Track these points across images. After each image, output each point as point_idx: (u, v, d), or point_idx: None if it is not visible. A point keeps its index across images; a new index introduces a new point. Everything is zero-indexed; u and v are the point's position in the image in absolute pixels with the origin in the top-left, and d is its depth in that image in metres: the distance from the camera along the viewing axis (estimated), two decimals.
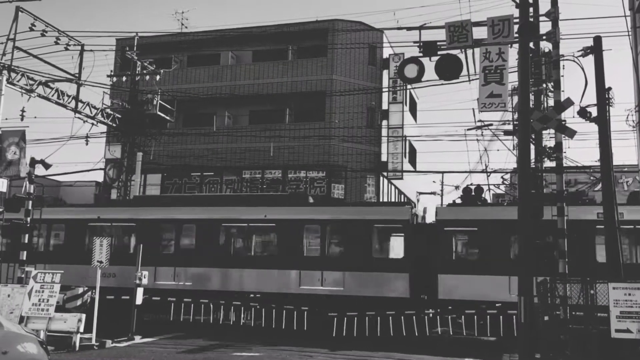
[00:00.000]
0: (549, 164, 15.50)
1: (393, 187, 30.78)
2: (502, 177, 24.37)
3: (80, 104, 19.50)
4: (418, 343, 15.58)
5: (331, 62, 27.44)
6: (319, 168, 26.60)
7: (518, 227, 11.12)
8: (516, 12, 11.76)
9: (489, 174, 27.42)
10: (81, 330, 12.94)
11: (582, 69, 13.03)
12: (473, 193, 18.05)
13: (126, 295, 16.31)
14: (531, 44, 13.26)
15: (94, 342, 13.30)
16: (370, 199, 27.13)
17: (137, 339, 14.62)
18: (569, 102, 12.43)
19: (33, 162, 20.23)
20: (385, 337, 16.02)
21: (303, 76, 27.76)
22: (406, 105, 30.33)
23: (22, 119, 18.68)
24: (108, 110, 21.19)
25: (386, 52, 28.55)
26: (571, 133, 12.44)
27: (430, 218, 19.43)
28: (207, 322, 20.77)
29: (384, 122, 28.03)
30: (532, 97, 14.14)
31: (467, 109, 65.38)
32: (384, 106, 28.22)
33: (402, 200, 33.52)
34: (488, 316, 15.66)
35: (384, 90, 27.98)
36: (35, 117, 32.30)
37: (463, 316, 15.85)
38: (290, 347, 13.95)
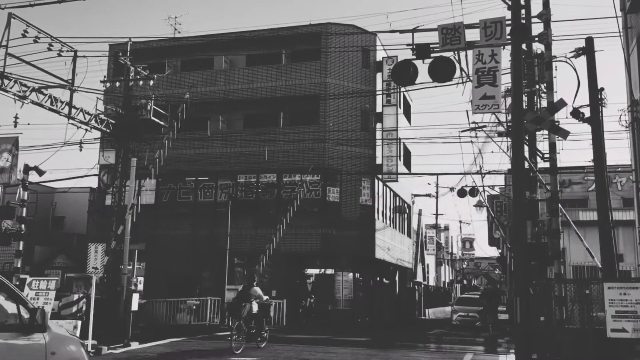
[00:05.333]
0: (543, 164, 15.56)
1: (388, 190, 30.81)
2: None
3: (73, 110, 19.40)
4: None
5: (325, 66, 27.46)
6: (313, 171, 26.60)
7: (514, 228, 11.14)
8: (508, 14, 11.81)
9: (483, 175, 27.54)
10: (77, 336, 12.86)
11: (575, 69, 13.11)
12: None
13: None
14: (523, 46, 13.32)
15: (89, 348, 13.24)
16: (365, 202, 27.15)
17: (134, 345, 14.57)
18: (561, 103, 12.50)
19: (27, 169, 20.17)
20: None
21: (297, 80, 27.76)
22: (400, 107, 30.37)
23: (15, 126, 18.58)
24: (102, 116, 21.12)
25: (379, 55, 28.60)
26: (564, 134, 12.51)
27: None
28: (203, 327, 20.76)
29: (378, 125, 28.05)
30: (525, 98, 14.19)
31: (461, 111, 65.61)
32: (378, 109, 28.25)
33: (398, 202, 33.57)
34: None
35: (377, 93, 28.00)
36: (28, 124, 32.23)
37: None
38: (288, 350, 13.92)
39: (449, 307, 41.05)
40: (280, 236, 24.76)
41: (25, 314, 5.30)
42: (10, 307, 5.24)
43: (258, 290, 14.82)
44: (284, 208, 25.62)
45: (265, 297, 15.32)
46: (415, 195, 39.35)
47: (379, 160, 27.72)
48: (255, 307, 14.45)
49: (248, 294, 14.54)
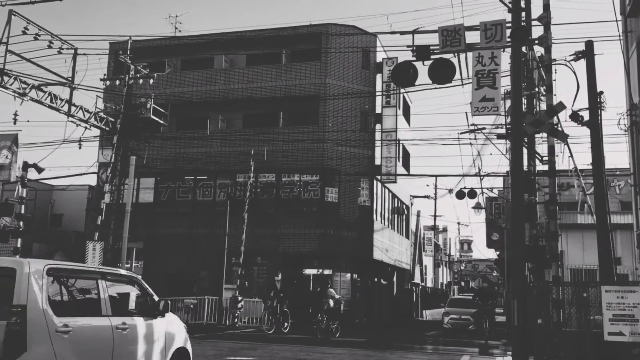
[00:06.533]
0: (541, 167, 15.57)
1: (387, 191, 30.83)
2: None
3: (73, 108, 19.42)
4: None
5: (325, 66, 27.47)
6: (312, 172, 26.61)
7: (512, 230, 11.15)
8: (508, 17, 11.82)
9: (482, 177, 27.56)
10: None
11: (574, 73, 13.14)
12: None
13: None
14: (523, 48, 13.33)
15: None
16: (364, 202, 27.16)
17: None
18: (561, 106, 12.51)
19: (26, 166, 20.16)
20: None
21: (297, 80, 27.77)
22: (399, 109, 30.39)
23: (14, 123, 18.59)
24: (101, 114, 21.12)
25: (379, 56, 28.62)
26: (563, 137, 12.54)
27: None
28: (200, 325, 20.78)
29: (378, 126, 28.07)
30: (524, 101, 14.21)
31: (460, 112, 65.64)
32: (378, 110, 28.27)
33: (396, 203, 33.60)
34: None
35: (377, 94, 28.02)
36: (28, 121, 32.22)
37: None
38: (284, 350, 13.92)
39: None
40: (243, 233, 24.11)
41: (152, 304, 7.35)
42: (145, 299, 7.33)
43: (332, 291, 18.76)
44: (285, 208, 25.59)
45: (338, 296, 18.82)
46: (414, 197, 39.39)
47: (377, 161, 27.73)
48: (332, 303, 18.04)
49: (325, 294, 18.21)
